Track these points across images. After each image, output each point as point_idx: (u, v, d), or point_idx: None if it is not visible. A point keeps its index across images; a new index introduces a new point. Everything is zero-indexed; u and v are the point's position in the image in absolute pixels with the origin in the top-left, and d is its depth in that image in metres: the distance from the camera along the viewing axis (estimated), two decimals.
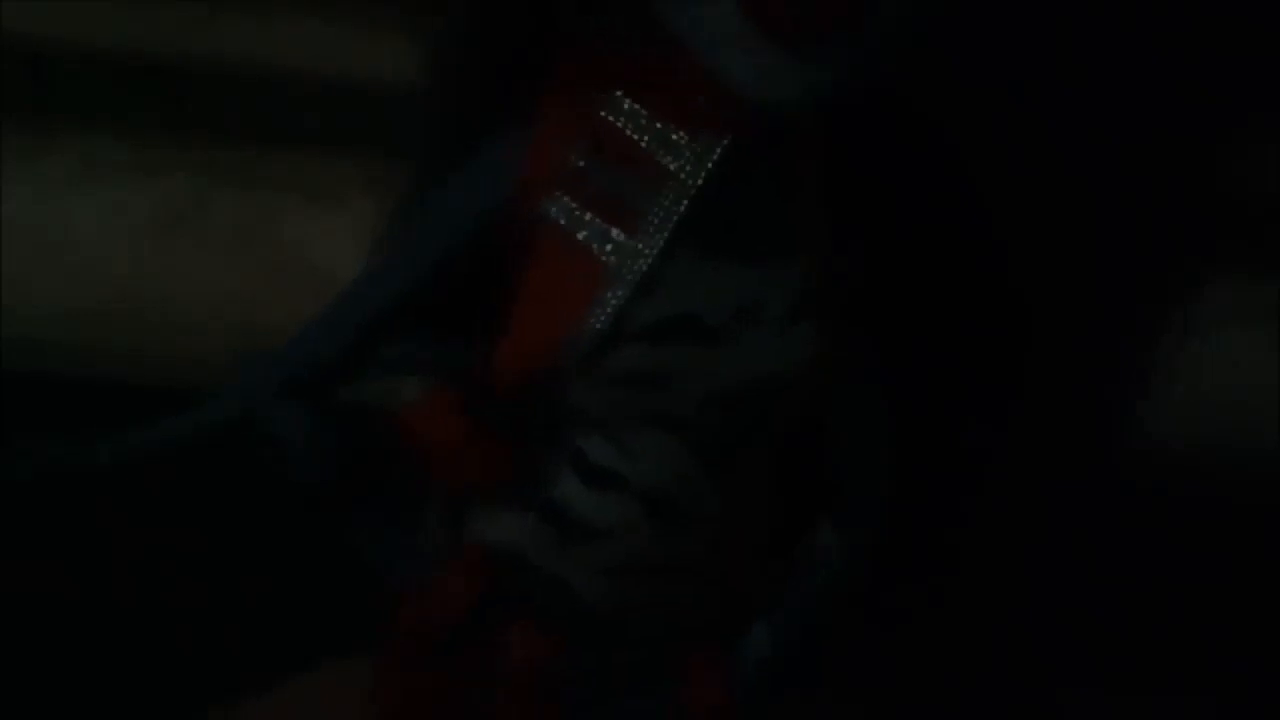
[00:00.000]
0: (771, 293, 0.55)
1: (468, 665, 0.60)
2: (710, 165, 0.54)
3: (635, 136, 0.55)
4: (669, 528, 0.58)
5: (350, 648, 0.64)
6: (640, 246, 0.55)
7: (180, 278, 0.91)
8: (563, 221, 0.55)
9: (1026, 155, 0.65)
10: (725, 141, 0.54)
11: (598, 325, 0.55)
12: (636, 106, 0.54)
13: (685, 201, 0.54)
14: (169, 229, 0.92)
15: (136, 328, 0.89)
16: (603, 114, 0.55)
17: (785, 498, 0.60)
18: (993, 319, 0.64)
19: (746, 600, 0.62)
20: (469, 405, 0.58)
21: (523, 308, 0.56)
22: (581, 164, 0.55)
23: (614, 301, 0.55)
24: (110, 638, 0.74)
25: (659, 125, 0.54)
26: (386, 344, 0.59)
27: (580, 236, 0.55)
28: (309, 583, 0.73)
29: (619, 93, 0.55)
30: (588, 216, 0.55)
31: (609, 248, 0.55)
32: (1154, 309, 0.71)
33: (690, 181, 0.54)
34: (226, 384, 0.60)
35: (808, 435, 0.59)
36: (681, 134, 0.54)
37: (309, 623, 0.73)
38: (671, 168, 0.54)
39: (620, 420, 0.57)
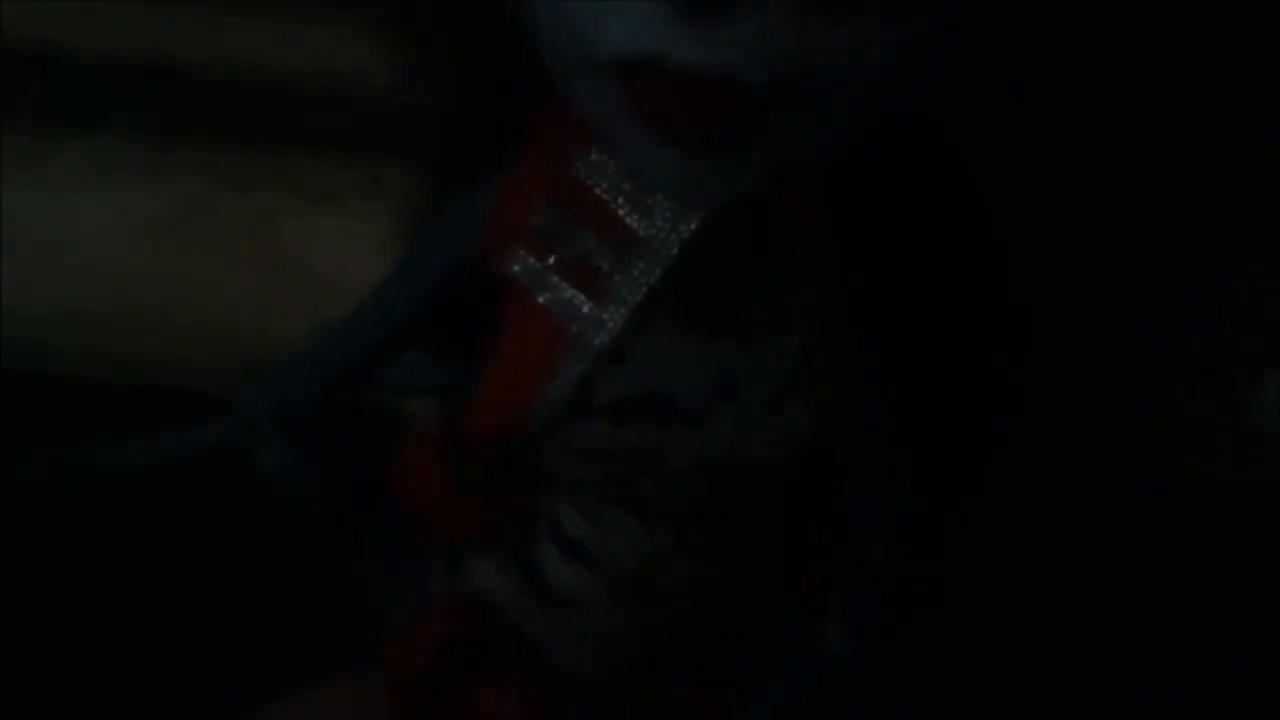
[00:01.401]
0: (758, 370, 0.51)
1: (451, 705, 0.60)
2: (687, 234, 0.49)
3: (607, 197, 0.50)
4: (644, 606, 0.56)
5: (353, 659, 0.63)
6: (604, 317, 0.50)
7: (181, 280, 0.91)
8: (526, 282, 0.52)
9: (1026, 155, 0.65)
10: (704, 211, 0.49)
11: (558, 397, 0.51)
12: (611, 163, 0.50)
13: (659, 271, 0.49)
14: (170, 231, 0.93)
15: (137, 329, 0.90)
16: (576, 168, 0.51)
17: (796, 545, 0.58)
18: (992, 320, 0.64)
19: (748, 652, 0.61)
20: (452, 457, 0.56)
21: (493, 367, 0.54)
22: (546, 223, 0.51)
23: (574, 373, 0.51)
24: (110, 638, 0.74)
25: (634, 186, 0.50)
26: (387, 365, 0.58)
27: (541, 299, 0.51)
28: (311, 591, 0.72)
29: (594, 148, 0.50)
30: (553, 279, 0.51)
31: (570, 315, 0.51)
32: (1154, 309, 0.71)
33: (665, 249, 0.49)
34: (219, 414, 0.60)
35: (818, 491, 0.57)
36: (658, 196, 0.49)
37: (311, 628, 0.73)
38: (643, 234, 0.50)
39: (591, 494, 0.54)
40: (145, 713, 0.71)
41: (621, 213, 0.50)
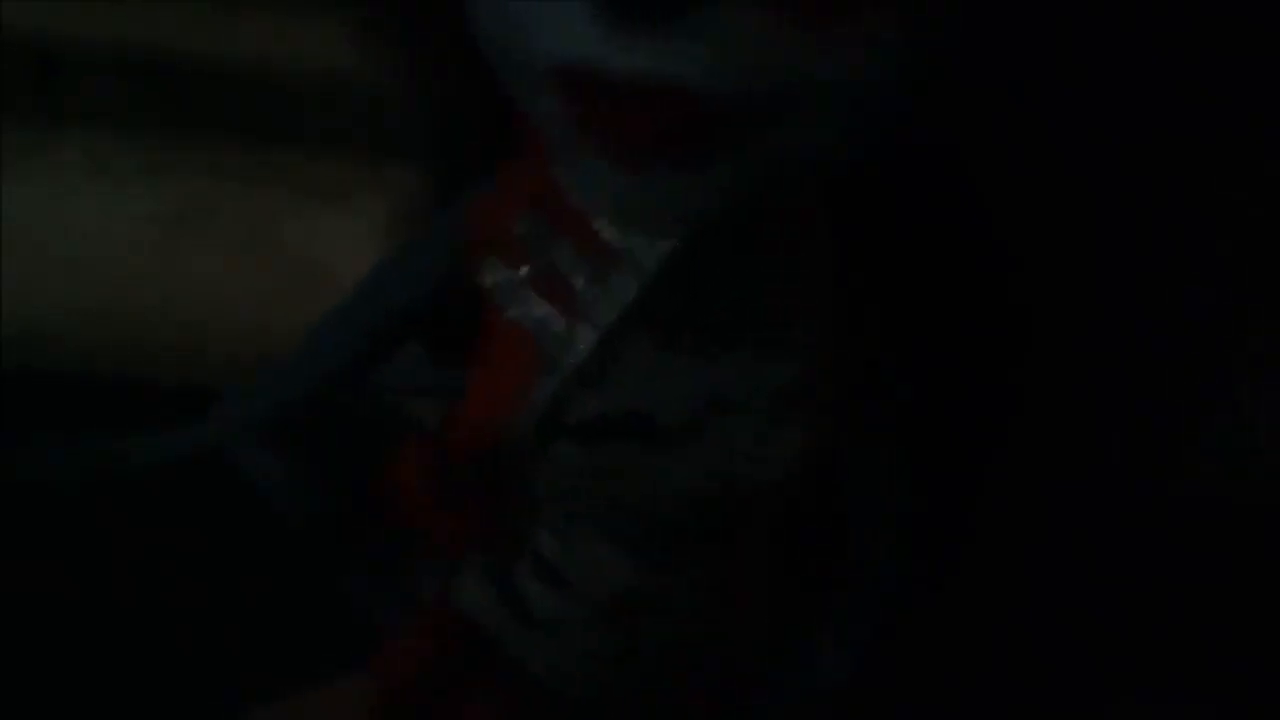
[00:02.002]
0: (747, 392, 0.49)
1: (437, 716, 0.59)
2: (667, 251, 0.47)
3: (586, 209, 0.48)
4: (626, 631, 0.54)
5: (351, 659, 0.63)
6: (576, 336, 0.48)
7: (182, 277, 0.91)
8: (500, 295, 0.50)
9: (1026, 156, 0.65)
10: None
11: (531, 413, 0.49)
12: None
13: (635, 289, 0.47)
14: (171, 229, 0.93)
15: (138, 327, 0.90)
16: (555, 177, 0.48)
17: (790, 567, 0.57)
18: (993, 320, 0.64)
19: (740, 673, 0.60)
20: (437, 466, 0.55)
21: (472, 381, 0.52)
22: (524, 231, 0.49)
23: (547, 391, 0.49)
24: (110, 638, 0.74)
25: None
26: (373, 368, 0.57)
27: (513, 314, 0.49)
28: (310, 591, 0.72)
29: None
30: (525, 293, 0.49)
31: (541, 331, 0.49)
32: (1154, 310, 0.71)
33: (643, 266, 0.47)
34: (207, 415, 0.59)
35: (815, 511, 0.56)
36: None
37: (311, 629, 0.73)
38: (620, 249, 0.47)
39: (567, 515, 0.52)
40: (145, 713, 0.71)
41: (598, 226, 0.47)
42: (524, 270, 0.49)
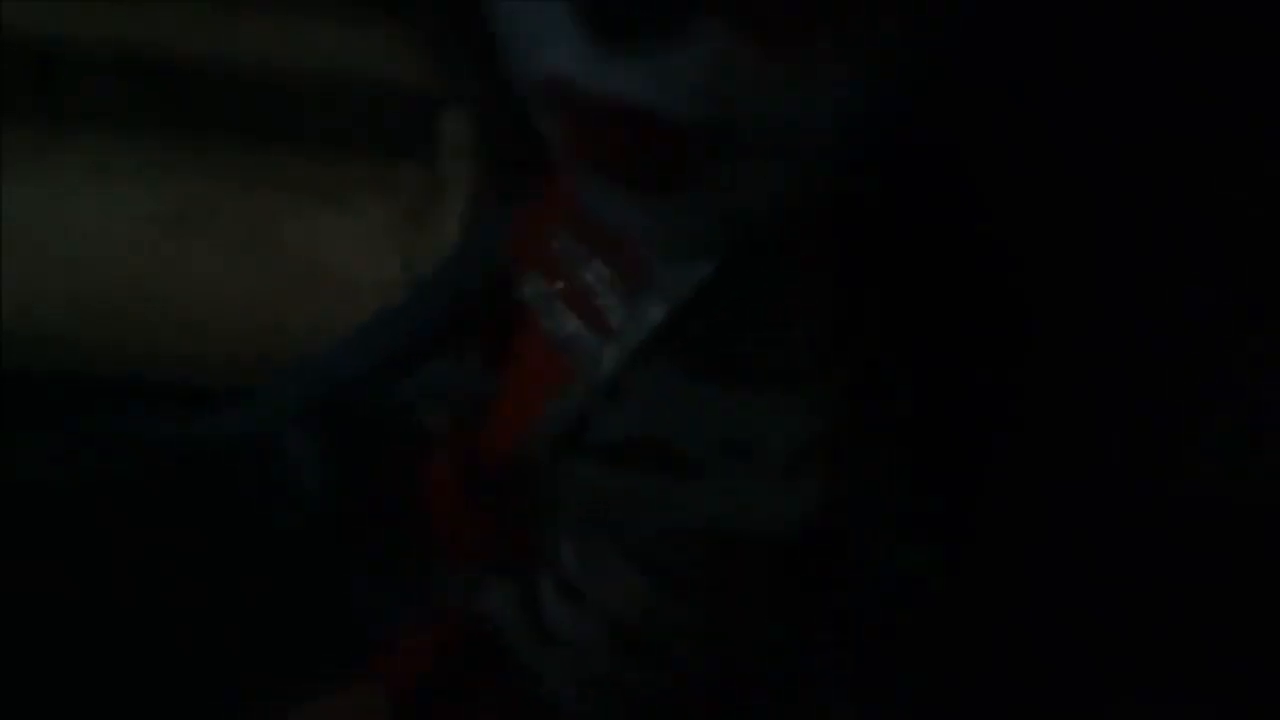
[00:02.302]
0: (772, 430, 0.48)
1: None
2: (701, 277, 0.46)
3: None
4: (637, 655, 0.53)
5: (352, 660, 0.63)
6: (604, 354, 0.48)
7: (184, 276, 0.91)
8: (533, 306, 0.50)
9: (1026, 155, 0.65)
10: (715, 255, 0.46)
11: (555, 427, 0.49)
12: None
13: (665, 311, 0.46)
14: (172, 228, 0.93)
15: (139, 326, 0.90)
16: (594, 189, 0.47)
17: (794, 568, 0.56)
18: (993, 321, 0.64)
19: (745, 679, 0.59)
20: (467, 472, 0.55)
21: (501, 390, 0.52)
22: (563, 247, 0.49)
23: (571, 406, 0.48)
24: (110, 638, 0.74)
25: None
26: (412, 370, 0.57)
27: (544, 325, 0.49)
28: (310, 591, 0.72)
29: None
30: (558, 307, 0.49)
31: (570, 346, 0.49)
32: (1154, 309, 0.71)
33: (676, 290, 0.46)
34: (248, 399, 0.59)
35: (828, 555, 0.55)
36: (675, 234, 0.46)
37: (311, 629, 0.73)
38: (655, 272, 0.47)
39: (589, 535, 0.52)
40: (145, 713, 0.71)
41: (636, 247, 0.47)
42: (559, 285, 0.49)
